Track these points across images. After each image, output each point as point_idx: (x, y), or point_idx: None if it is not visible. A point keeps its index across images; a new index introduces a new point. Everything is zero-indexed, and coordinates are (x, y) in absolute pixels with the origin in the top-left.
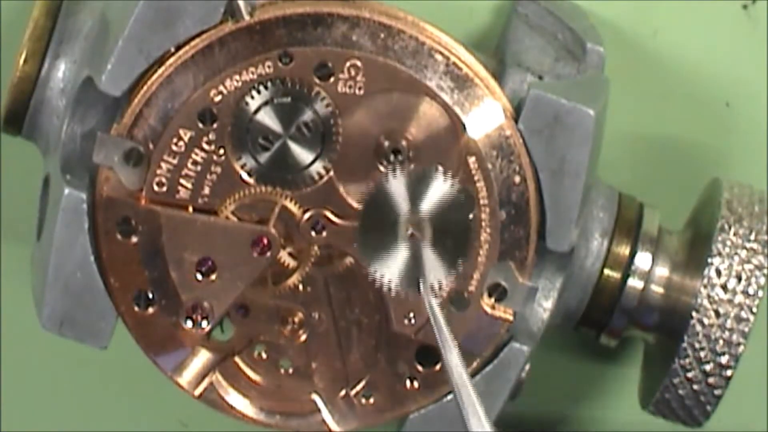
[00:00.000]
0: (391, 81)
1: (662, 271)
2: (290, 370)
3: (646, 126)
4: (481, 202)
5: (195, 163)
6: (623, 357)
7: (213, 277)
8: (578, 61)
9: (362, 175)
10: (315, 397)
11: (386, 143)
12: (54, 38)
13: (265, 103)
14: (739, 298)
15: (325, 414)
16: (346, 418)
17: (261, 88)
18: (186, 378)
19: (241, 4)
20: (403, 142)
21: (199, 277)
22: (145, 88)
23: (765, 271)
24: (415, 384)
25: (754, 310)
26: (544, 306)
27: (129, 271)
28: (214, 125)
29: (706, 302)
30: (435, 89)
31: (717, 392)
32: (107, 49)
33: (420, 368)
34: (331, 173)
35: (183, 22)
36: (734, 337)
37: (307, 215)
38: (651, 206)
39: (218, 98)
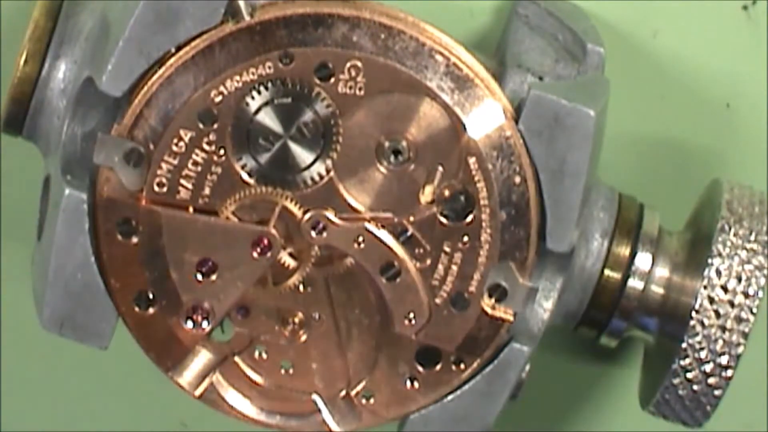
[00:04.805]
0: (391, 82)
1: (662, 271)
2: (290, 371)
3: (646, 126)
4: (482, 202)
5: (195, 163)
6: (623, 357)
7: (213, 277)
8: (578, 62)
9: (363, 176)
10: (315, 397)
11: (387, 144)
12: (54, 39)
13: (266, 104)
14: (739, 299)
15: (326, 414)
16: (346, 418)
17: (261, 88)
18: (186, 378)
19: (242, 4)
20: (404, 143)
21: (200, 277)
22: (145, 88)
23: (765, 271)
24: (416, 384)
25: (754, 310)
26: (545, 306)
27: (129, 272)
28: (215, 126)
29: (706, 303)
30: (435, 90)
31: (717, 393)
32: (108, 50)
33: (420, 369)
34: (332, 174)
35: (183, 23)
36: (734, 337)
37: (307, 216)
38: (651, 207)
39: (219, 99)
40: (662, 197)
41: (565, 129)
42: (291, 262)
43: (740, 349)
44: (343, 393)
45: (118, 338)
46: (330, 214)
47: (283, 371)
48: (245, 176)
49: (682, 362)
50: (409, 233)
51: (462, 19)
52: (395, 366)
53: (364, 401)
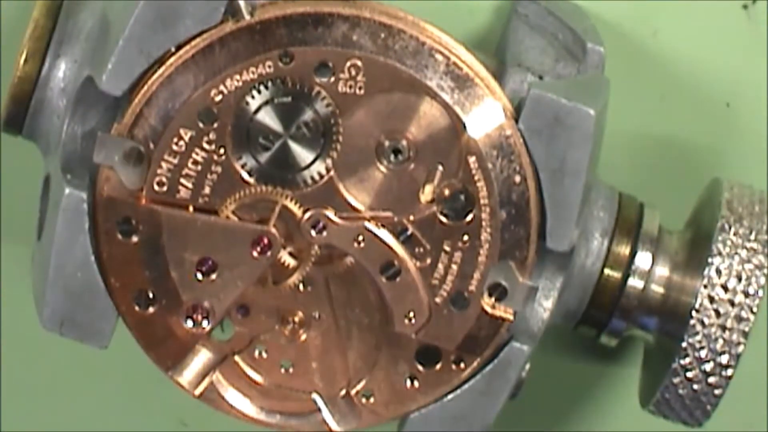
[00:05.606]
0: (391, 81)
1: (662, 270)
2: (290, 370)
3: (646, 126)
4: (482, 201)
5: (195, 162)
6: (623, 357)
7: (213, 276)
8: (578, 62)
9: (363, 175)
10: (315, 396)
11: (387, 143)
12: (54, 38)
13: (266, 103)
14: (740, 298)
15: (326, 414)
16: (346, 417)
17: (261, 87)
18: (186, 377)
19: (242, 3)
20: (404, 142)
21: (200, 276)
22: (145, 87)
23: (765, 270)
24: (416, 384)
25: (755, 309)
26: (545, 306)
27: (129, 271)
28: (215, 125)
29: (706, 302)
30: (435, 89)
31: (717, 392)
32: (108, 49)
33: (420, 368)
34: (332, 173)
35: (183, 22)
36: (734, 336)
37: (307, 215)
38: (651, 206)
39: (219, 98)
40: (662, 196)
41: (565, 128)
42: (291, 262)
43: (740, 349)
44: (343, 392)
45: (118, 338)
46: (330, 213)
47: (283, 370)
48: (245, 175)
49: (682, 361)
50: (409, 232)
51: (462, 19)
52: (395, 365)
53: (364, 400)
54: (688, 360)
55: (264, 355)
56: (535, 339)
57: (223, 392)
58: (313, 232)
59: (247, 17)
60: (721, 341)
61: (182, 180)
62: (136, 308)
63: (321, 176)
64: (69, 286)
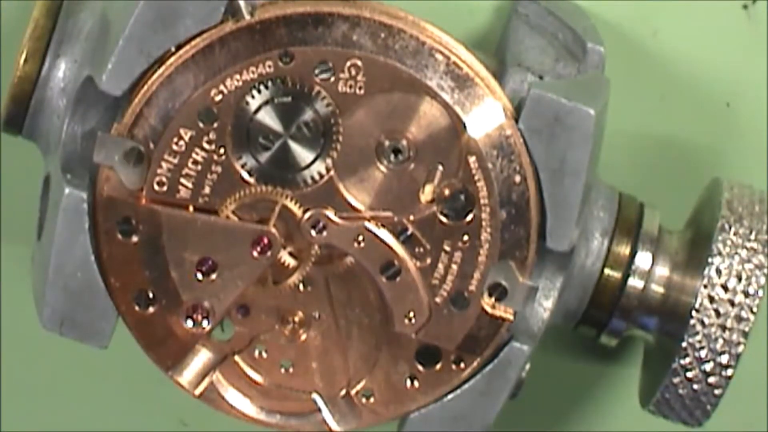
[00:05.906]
0: (391, 81)
1: (662, 270)
2: (290, 370)
3: (646, 126)
4: (482, 201)
5: (195, 162)
6: (623, 357)
7: (213, 276)
8: (578, 61)
9: (363, 175)
10: (315, 396)
11: (387, 143)
12: (54, 38)
13: (266, 103)
14: (740, 298)
15: (325, 414)
16: (346, 417)
17: (261, 87)
18: (186, 377)
19: (242, 3)
20: (404, 142)
21: (200, 276)
22: (145, 87)
23: (765, 270)
24: (416, 384)
25: (755, 309)
26: (545, 305)
27: (129, 271)
28: (215, 125)
29: (706, 302)
30: (435, 89)
31: (717, 392)
32: (108, 49)
33: (420, 368)
34: (332, 173)
35: (183, 22)
36: (734, 336)
37: (307, 215)
38: (651, 206)
39: (219, 98)
40: (662, 196)
41: (565, 128)
42: (291, 261)
43: (740, 348)
44: (343, 392)
45: (118, 338)
46: (330, 213)
47: (283, 370)
48: (245, 175)
49: (682, 361)
50: (409, 232)
51: (462, 18)
52: (395, 365)
53: (364, 400)
54: (688, 360)
55: (264, 355)
56: (535, 339)
57: (223, 392)
58: (313, 232)
59: (247, 17)
60: (721, 341)
61: (182, 180)
62: (136, 308)
63: (321, 176)
64: (69, 286)
